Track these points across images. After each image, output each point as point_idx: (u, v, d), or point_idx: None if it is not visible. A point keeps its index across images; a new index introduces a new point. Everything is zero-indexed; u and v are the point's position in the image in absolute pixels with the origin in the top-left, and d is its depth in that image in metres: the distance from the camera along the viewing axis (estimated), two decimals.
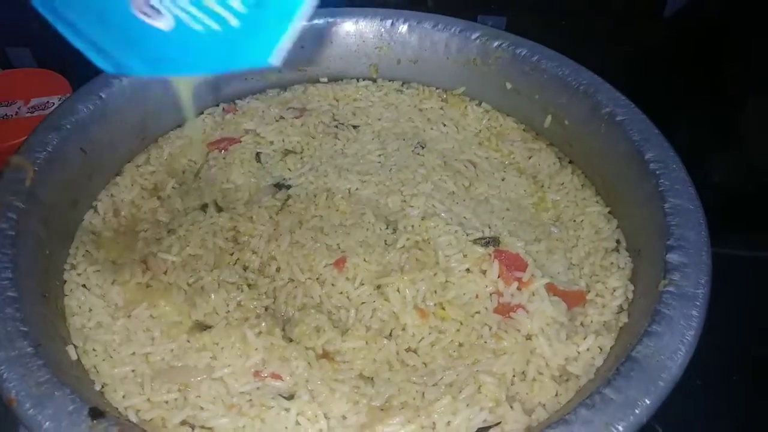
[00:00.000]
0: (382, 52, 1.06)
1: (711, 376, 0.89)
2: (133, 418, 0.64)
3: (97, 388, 0.66)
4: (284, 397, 0.65)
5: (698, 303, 0.63)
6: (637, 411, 0.56)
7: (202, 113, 1.02)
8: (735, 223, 1.00)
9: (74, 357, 0.68)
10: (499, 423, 0.63)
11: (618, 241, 0.82)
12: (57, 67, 1.19)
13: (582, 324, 0.74)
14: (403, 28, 1.04)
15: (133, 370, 0.69)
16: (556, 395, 0.67)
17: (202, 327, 0.72)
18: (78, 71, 0.96)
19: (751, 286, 1.00)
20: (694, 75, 1.26)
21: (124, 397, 0.66)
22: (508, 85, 0.99)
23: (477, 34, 1.00)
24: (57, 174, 0.80)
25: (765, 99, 1.24)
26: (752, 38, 1.27)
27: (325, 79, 1.09)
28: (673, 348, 0.60)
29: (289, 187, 0.89)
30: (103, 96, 0.89)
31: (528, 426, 0.63)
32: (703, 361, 0.75)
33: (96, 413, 0.56)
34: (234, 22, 0.45)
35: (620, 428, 0.55)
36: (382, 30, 1.04)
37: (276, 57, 0.44)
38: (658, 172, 0.77)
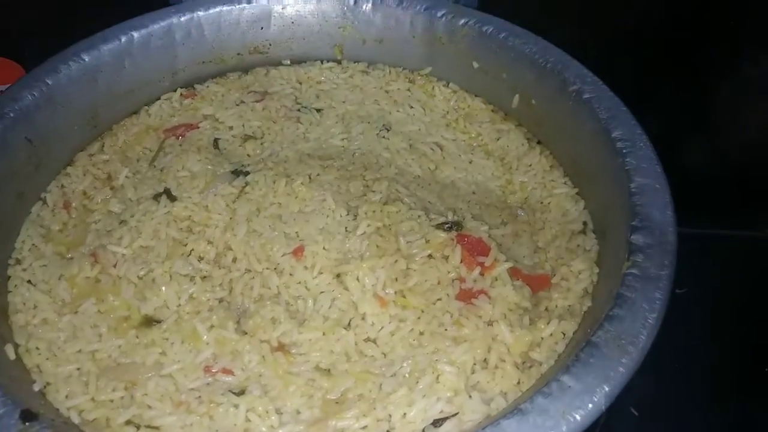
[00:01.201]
0: (346, 32, 1.02)
1: (687, 359, 0.87)
2: (75, 419, 0.61)
3: (38, 388, 0.64)
4: (234, 393, 0.63)
5: (662, 285, 0.61)
6: (595, 398, 0.53)
7: (158, 98, 0.98)
8: (706, 203, 0.98)
9: (12, 356, 0.65)
10: (457, 413, 0.60)
11: (585, 223, 0.79)
12: (14, 56, 1.14)
13: (546, 309, 0.71)
14: (367, 6, 1.00)
15: (78, 369, 0.66)
16: (518, 383, 0.64)
17: (152, 321, 0.69)
18: (35, 60, 0.92)
19: (728, 264, 0.98)
20: (667, 56, 1.23)
21: (67, 397, 0.63)
22: (475, 64, 0.96)
23: (442, 12, 0.96)
24: None
25: (736, 81, 1.22)
26: (726, 20, 1.24)
27: (288, 62, 1.05)
28: (635, 332, 0.58)
29: (247, 173, 0.85)
30: (50, 82, 0.85)
31: (487, 415, 0.61)
32: (679, 344, 0.73)
33: (28, 416, 0.53)
34: None
35: (577, 417, 0.52)
36: (345, 9, 1.01)
37: None
38: (625, 151, 0.74)
